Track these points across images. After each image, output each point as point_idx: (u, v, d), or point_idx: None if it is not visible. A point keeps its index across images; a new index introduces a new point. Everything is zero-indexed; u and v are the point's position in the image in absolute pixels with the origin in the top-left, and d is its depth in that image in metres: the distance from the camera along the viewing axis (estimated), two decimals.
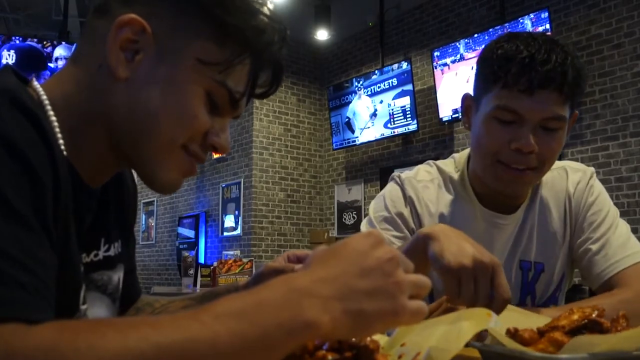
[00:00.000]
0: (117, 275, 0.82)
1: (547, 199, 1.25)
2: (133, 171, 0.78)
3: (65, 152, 0.65)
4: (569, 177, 1.26)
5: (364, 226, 1.30)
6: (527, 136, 1.08)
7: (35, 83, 0.67)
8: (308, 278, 0.51)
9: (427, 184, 1.28)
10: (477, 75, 1.19)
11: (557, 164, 1.24)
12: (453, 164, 1.31)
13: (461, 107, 1.23)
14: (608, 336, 0.68)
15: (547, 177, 1.25)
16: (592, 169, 1.29)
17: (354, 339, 0.58)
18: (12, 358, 0.42)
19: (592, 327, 0.71)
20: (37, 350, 0.43)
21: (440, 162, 1.32)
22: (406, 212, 1.25)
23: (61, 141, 0.65)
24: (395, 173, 1.32)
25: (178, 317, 0.48)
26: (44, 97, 0.66)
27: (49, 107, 0.65)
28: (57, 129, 0.65)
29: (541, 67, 1.05)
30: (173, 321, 0.47)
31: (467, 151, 1.30)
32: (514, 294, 1.22)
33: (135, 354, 0.44)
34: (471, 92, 1.22)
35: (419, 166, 1.34)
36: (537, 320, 0.79)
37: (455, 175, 1.28)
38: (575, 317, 0.72)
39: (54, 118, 0.65)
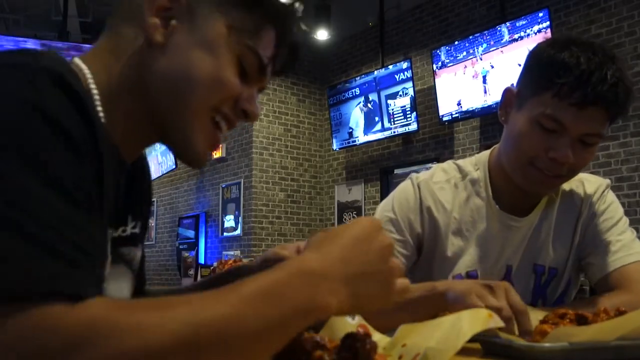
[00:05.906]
0: (139, 253, 0.84)
1: (564, 209, 1.28)
2: (151, 163, 0.80)
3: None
4: (585, 188, 1.29)
5: None
6: (566, 148, 1.10)
7: (77, 59, 0.69)
8: (321, 262, 0.55)
9: (443, 185, 1.28)
10: (526, 72, 1.18)
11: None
12: (473, 163, 1.31)
13: (501, 99, 1.22)
14: (585, 327, 0.77)
15: (565, 188, 1.28)
16: (607, 181, 1.32)
17: (352, 333, 0.61)
18: (56, 333, 0.43)
19: (578, 320, 0.82)
20: (80, 327, 0.44)
21: (460, 161, 1.33)
22: (414, 216, 1.25)
23: (102, 114, 0.66)
24: (414, 174, 1.31)
25: (208, 296, 0.49)
26: (87, 71, 0.67)
27: (91, 81, 0.67)
28: (99, 104, 0.66)
29: (596, 85, 1.05)
30: (206, 299, 0.48)
31: (488, 151, 1.31)
32: (527, 295, 1.25)
33: (173, 334, 0.45)
34: (511, 86, 1.21)
35: (437, 165, 1.34)
36: (538, 316, 0.87)
37: (475, 174, 1.28)
38: (563, 311, 0.84)
39: (95, 91, 0.67)
